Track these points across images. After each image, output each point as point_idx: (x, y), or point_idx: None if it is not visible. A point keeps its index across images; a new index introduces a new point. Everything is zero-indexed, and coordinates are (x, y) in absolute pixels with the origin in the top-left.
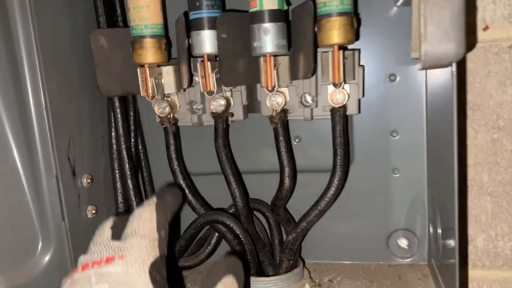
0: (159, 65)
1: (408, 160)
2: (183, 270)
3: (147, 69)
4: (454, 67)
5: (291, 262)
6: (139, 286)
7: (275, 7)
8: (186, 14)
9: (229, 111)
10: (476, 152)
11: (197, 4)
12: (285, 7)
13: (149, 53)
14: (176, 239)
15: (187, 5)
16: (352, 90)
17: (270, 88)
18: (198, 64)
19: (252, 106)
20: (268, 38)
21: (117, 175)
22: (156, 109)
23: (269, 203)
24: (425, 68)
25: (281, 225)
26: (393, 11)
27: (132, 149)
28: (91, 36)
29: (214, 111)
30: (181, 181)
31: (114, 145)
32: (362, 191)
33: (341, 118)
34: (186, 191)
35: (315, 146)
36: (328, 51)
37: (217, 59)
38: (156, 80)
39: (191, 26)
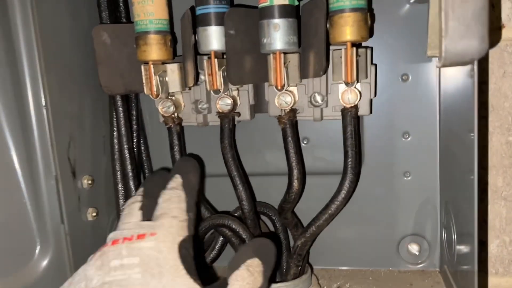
0: (163, 63)
1: (420, 163)
2: None
3: (152, 66)
4: (475, 65)
5: (299, 268)
6: (169, 261)
7: (286, 2)
8: (192, 9)
9: (236, 111)
10: (490, 155)
11: None
12: (296, 2)
13: (154, 50)
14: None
15: (194, 0)
16: (364, 89)
17: (279, 87)
18: (204, 61)
19: (259, 105)
20: (278, 35)
21: (118, 176)
22: (160, 108)
23: (276, 207)
24: (445, 65)
25: (288, 229)
26: (406, 8)
27: (135, 149)
28: (93, 31)
29: (220, 111)
30: None
31: (116, 145)
32: (372, 194)
33: (352, 119)
34: None
35: (324, 147)
36: (340, 49)
37: (224, 56)
38: (161, 78)
39: (197, 21)
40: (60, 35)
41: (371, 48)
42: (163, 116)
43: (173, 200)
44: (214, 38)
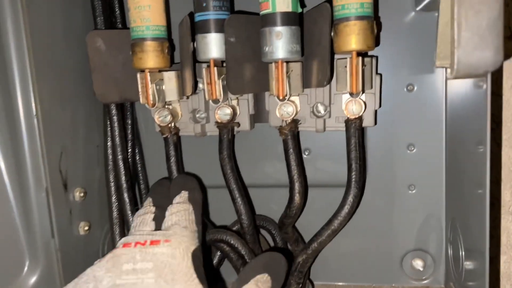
0: (160, 70)
1: (425, 176)
2: None
3: (148, 74)
4: (489, 78)
5: (300, 285)
6: (182, 269)
7: (289, 9)
8: (191, 15)
9: (235, 121)
10: (497, 168)
11: (204, 5)
12: (299, 10)
13: (150, 57)
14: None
15: (193, 6)
16: (368, 100)
17: (281, 97)
18: (203, 69)
19: (259, 115)
20: (280, 43)
21: (112, 188)
22: (156, 117)
23: (276, 220)
24: (457, 77)
25: (288, 245)
26: (412, 16)
27: (129, 160)
28: (88, 37)
29: (219, 121)
30: None
31: (110, 156)
32: (376, 208)
33: (356, 130)
34: None
35: (326, 159)
36: (344, 58)
37: (224, 64)
38: (157, 87)
39: (196, 28)
40: (53, 41)
41: (376, 57)
42: (160, 126)
43: (182, 213)
44: (213, 45)
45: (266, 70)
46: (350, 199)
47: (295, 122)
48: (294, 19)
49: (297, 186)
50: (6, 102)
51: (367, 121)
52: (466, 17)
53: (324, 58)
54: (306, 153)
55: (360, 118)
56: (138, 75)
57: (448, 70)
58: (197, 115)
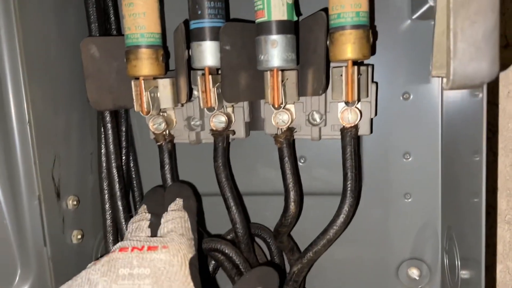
0: (155, 78)
1: (421, 185)
2: None
3: (142, 82)
4: (484, 88)
5: None
6: (179, 277)
7: (284, 17)
8: (186, 23)
9: (230, 129)
10: (494, 177)
11: (199, 12)
12: (295, 18)
13: (145, 65)
14: None
15: (188, 14)
16: (364, 108)
17: (276, 106)
18: (198, 77)
19: (254, 122)
20: (275, 51)
21: (106, 196)
22: (150, 125)
23: (271, 228)
24: (453, 88)
25: (283, 254)
26: (407, 25)
27: (123, 167)
28: (82, 44)
29: (214, 128)
30: None
31: (104, 163)
32: (371, 216)
33: (352, 139)
34: None
35: (321, 167)
36: (340, 66)
37: (219, 72)
38: (152, 94)
39: (191, 36)
40: (46, 47)
41: (372, 65)
42: (154, 133)
43: (178, 220)
44: (208, 53)
45: (261, 78)
46: (346, 208)
47: (290, 130)
48: (289, 28)
49: (292, 194)
50: None
51: (363, 130)
52: (462, 27)
53: (319, 66)
54: (302, 161)
55: (355, 127)
56: (133, 83)
57: (444, 80)
58: (192, 123)
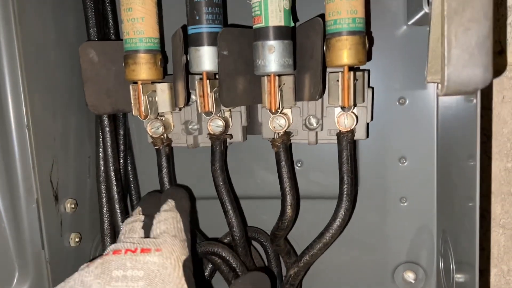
0: (153, 82)
1: (416, 189)
2: None
3: (141, 86)
4: (478, 94)
5: None
6: (173, 279)
7: (281, 23)
8: (184, 28)
9: (228, 133)
10: (488, 181)
11: (197, 18)
12: (292, 24)
13: (143, 69)
14: None
15: (186, 19)
16: (360, 113)
17: (274, 110)
18: (196, 82)
19: (252, 127)
20: (273, 57)
21: (104, 199)
22: (148, 129)
23: (268, 231)
24: (447, 94)
25: (280, 257)
26: (403, 30)
27: (121, 171)
28: (80, 48)
29: (212, 132)
30: None
31: (102, 167)
32: (367, 220)
33: (348, 143)
34: None
35: (318, 171)
36: (336, 71)
37: (217, 77)
38: (150, 98)
39: (189, 41)
40: (45, 52)
41: (368, 71)
42: (152, 137)
43: (170, 221)
44: (206, 58)
45: (258, 83)
46: (342, 212)
47: (287, 134)
48: (286, 33)
49: (289, 198)
50: None
51: (359, 134)
52: (456, 34)
53: (316, 72)
54: (299, 165)
55: (352, 131)
56: (131, 87)
57: (439, 86)
58: (190, 127)
